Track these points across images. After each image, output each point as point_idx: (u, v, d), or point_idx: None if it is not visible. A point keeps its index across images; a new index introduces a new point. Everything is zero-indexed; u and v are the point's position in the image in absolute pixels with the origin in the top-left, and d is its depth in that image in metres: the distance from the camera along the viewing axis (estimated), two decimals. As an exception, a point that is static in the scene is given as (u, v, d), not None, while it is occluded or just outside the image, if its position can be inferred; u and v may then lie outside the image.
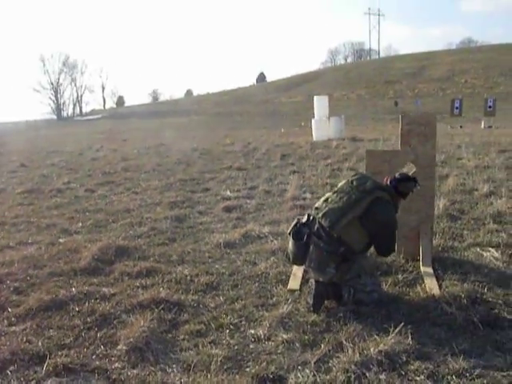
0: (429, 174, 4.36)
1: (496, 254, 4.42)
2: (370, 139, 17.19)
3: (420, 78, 57.57)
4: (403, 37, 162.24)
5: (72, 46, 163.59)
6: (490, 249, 4.56)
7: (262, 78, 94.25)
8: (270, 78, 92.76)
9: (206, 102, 69.19)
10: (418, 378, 2.56)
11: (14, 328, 3.35)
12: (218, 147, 16.40)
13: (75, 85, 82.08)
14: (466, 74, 54.78)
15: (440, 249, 4.66)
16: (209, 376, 2.64)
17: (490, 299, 3.48)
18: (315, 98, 19.88)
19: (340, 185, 3.74)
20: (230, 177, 9.84)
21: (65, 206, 7.44)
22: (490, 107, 21.72)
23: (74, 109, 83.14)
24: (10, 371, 2.81)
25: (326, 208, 3.53)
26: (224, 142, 18.25)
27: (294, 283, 3.94)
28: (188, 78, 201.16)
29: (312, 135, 18.85)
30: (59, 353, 2.99)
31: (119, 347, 3.03)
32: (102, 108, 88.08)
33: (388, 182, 3.68)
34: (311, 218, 3.59)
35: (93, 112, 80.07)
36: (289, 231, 3.67)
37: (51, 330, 3.31)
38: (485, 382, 2.52)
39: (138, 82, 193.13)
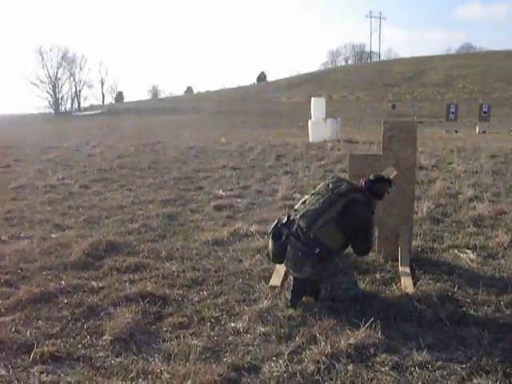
0: (409, 177, 4.53)
1: (472, 256, 4.59)
2: (364, 141, 17.37)
3: (419, 81, 57.85)
4: (403, 40, 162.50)
5: (71, 40, 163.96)
6: (467, 250, 4.74)
7: (262, 77, 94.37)
8: (270, 78, 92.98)
9: (205, 100, 69.29)
10: (383, 369, 2.73)
11: (3, 318, 3.47)
12: (214, 146, 16.54)
13: (74, 79, 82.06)
14: (463, 79, 55.10)
15: (419, 250, 4.84)
16: (187, 365, 2.80)
17: (460, 298, 3.65)
18: (312, 99, 20.07)
19: (318, 187, 3.90)
20: (224, 176, 10.00)
21: (58, 201, 7.58)
22: (484, 112, 21.96)
23: (72, 104, 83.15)
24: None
25: (304, 210, 3.70)
26: (221, 141, 18.41)
27: (276, 280, 4.11)
28: (188, 75, 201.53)
29: (308, 136, 19.03)
30: (46, 342, 3.13)
31: (104, 337, 3.18)
32: (101, 103, 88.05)
33: (363, 184, 3.85)
34: (291, 218, 3.75)
35: (91, 107, 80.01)
36: (269, 231, 3.83)
37: (39, 321, 3.44)
38: (444, 373, 2.69)
39: (137, 78, 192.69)
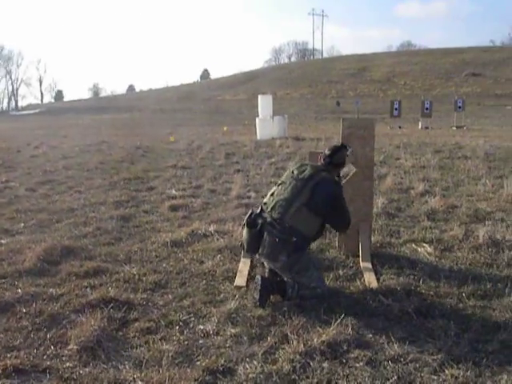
0: (367, 174, 4.61)
1: (429, 250, 4.73)
2: (312, 138, 17.61)
3: (361, 78, 59.19)
4: (346, 38, 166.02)
5: (7, 37, 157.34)
6: (424, 244, 4.88)
7: (205, 74, 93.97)
8: (213, 75, 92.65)
9: (148, 98, 68.27)
10: (357, 365, 2.76)
11: (-43, 332, 3.29)
12: (161, 145, 16.31)
13: (10, 77, 78.87)
14: (405, 76, 56.87)
15: (378, 245, 4.93)
16: (160, 371, 2.73)
17: (423, 291, 3.75)
18: (259, 96, 20.14)
19: (283, 177, 3.91)
20: (175, 175, 9.87)
21: (4, 205, 7.25)
22: (426, 109, 22.72)
23: (8, 103, 79.88)
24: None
25: (273, 201, 3.71)
26: (168, 140, 18.17)
27: (241, 280, 4.08)
28: (130, 73, 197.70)
29: (256, 134, 19.08)
30: (8, 355, 2.96)
31: (70, 347, 3.06)
32: (40, 102, 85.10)
33: (323, 161, 3.88)
34: (263, 212, 3.74)
35: (29, 106, 77.18)
36: (244, 221, 3.81)
37: None
38: (417, 365, 2.75)
39: (77, 77, 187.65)
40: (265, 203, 3.82)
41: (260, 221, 3.68)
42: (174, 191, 8.08)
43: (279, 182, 3.89)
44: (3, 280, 4.17)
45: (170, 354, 2.90)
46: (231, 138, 18.64)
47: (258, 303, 3.54)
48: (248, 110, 47.64)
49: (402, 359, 2.81)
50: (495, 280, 3.93)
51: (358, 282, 3.99)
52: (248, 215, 3.80)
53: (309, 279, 3.65)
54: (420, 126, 22.72)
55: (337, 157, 3.92)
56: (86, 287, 4.01)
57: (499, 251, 4.60)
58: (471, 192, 7.28)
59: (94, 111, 54.11)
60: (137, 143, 16.72)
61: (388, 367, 2.73)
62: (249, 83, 68.46)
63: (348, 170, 4.75)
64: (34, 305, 3.66)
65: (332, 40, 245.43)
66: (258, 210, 3.79)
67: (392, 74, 58.42)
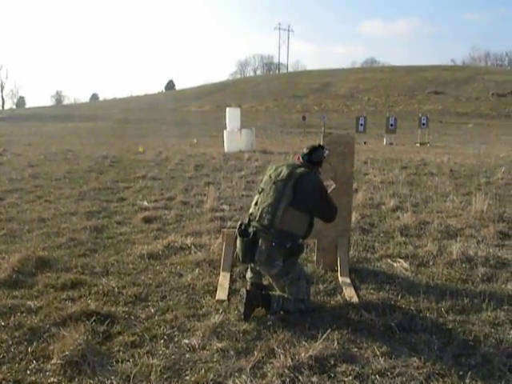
0: (347, 190, 4.69)
1: (405, 265, 4.83)
2: (280, 152, 17.75)
3: (326, 93, 60.16)
4: (310, 53, 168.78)
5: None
6: (400, 260, 4.98)
7: (170, 85, 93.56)
8: (179, 86, 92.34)
9: (112, 108, 67.48)
10: (346, 379, 2.79)
11: None
12: (128, 155, 16.13)
13: (-31, 83, 76.68)
14: (368, 92, 58.12)
15: (355, 260, 5.01)
16: (149, 386, 2.70)
17: (404, 306, 3.83)
18: (227, 109, 20.17)
19: (262, 184, 3.92)
20: (146, 186, 9.78)
21: (-29, 214, 7.03)
22: (391, 125, 23.24)
23: (-32, 109, 77.60)
24: None
25: (259, 210, 3.72)
26: (135, 150, 17.99)
27: (222, 293, 4.08)
28: (93, 81, 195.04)
29: (223, 146, 19.09)
30: (-11, 370, 2.89)
31: (53, 361, 2.98)
32: (1, 108, 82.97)
33: (301, 159, 3.93)
34: (252, 223, 3.75)
35: (-11, 113, 75.06)
36: (235, 232, 3.84)
37: None
38: (404, 379, 2.80)
39: (40, 84, 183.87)
40: (251, 213, 3.82)
41: (251, 229, 3.69)
42: (146, 203, 8.01)
43: (259, 189, 3.89)
44: (-23, 292, 4.04)
45: (159, 369, 2.87)
46: (199, 149, 18.60)
47: (242, 316, 3.55)
48: (213, 121, 47.64)
49: (388, 373, 2.86)
50: (471, 295, 4.05)
51: (339, 297, 4.04)
52: (238, 226, 3.81)
53: (298, 290, 3.68)
54: (385, 142, 23.20)
55: (315, 155, 3.95)
56: (65, 300, 3.94)
57: (473, 267, 4.74)
58: (440, 208, 7.48)
59: (56, 119, 52.98)
60: (103, 153, 16.51)
61: (376, 381, 2.78)
62: (214, 95, 68.62)
63: (328, 185, 4.82)
64: (12, 318, 3.58)
65: (297, 55, 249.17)
66: (246, 220, 3.81)
67: (356, 90, 59.64)
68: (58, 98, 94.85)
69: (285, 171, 3.75)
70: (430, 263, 4.91)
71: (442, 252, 5.17)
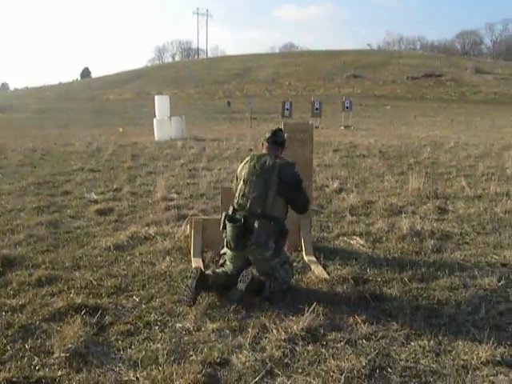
0: (307, 174, 4.97)
1: (361, 242, 5.23)
2: (212, 139, 17.90)
3: (247, 78, 60.57)
4: (229, 39, 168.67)
5: None
6: (355, 237, 5.37)
7: (86, 73, 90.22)
8: (95, 74, 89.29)
9: (25, 98, 64.26)
10: (338, 345, 3.10)
11: None
12: (57, 147, 15.66)
13: None
14: (289, 76, 59.17)
15: (314, 239, 5.34)
16: (160, 369, 2.86)
17: (370, 278, 4.21)
18: (156, 97, 20.00)
19: (244, 175, 4.02)
20: (87, 179, 9.64)
21: None
22: (316, 109, 23.96)
23: None
24: None
25: (249, 200, 3.90)
26: (62, 142, 17.46)
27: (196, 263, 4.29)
28: (2, 70, 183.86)
29: (153, 135, 18.93)
30: (-8, 369, 2.91)
31: (55, 355, 3.03)
32: None
33: (267, 144, 4.16)
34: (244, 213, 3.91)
35: None
36: (223, 219, 3.99)
37: None
38: (387, 341, 3.15)
39: None
40: (239, 204, 3.99)
41: (239, 217, 3.88)
42: (94, 195, 7.94)
43: (243, 180, 4.02)
44: (-50, 295, 3.96)
45: (165, 352, 3.02)
46: (129, 139, 18.33)
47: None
48: (135, 109, 46.74)
49: (373, 337, 3.20)
50: (426, 265, 4.50)
51: (310, 274, 4.34)
52: (224, 216, 3.98)
53: (286, 273, 3.93)
54: (310, 126, 23.88)
55: (278, 136, 4.20)
56: (46, 296, 3.95)
57: (422, 240, 5.22)
58: (379, 188, 8.01)
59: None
60: (30, 145, 15.90)
61: (364, 345, 3.11)
62: (133, 82, 67.10)
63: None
64: (-3, 317, 3.56)
65: (216, 40, 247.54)
66: (231, 211, 3.98)
67: (276, 75, 60.51)
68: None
69: (269, 161, 3.96)
70: (384, 239, 5.34)
71: (392, 228, 5.62)
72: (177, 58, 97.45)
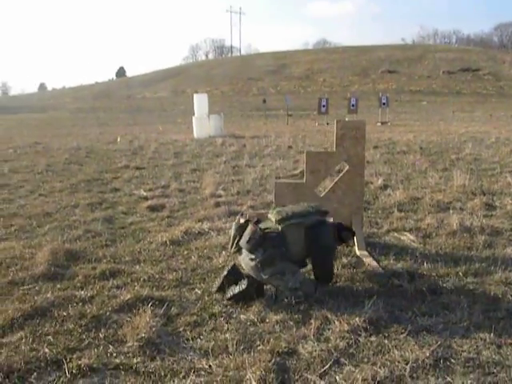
0: (359, 171, 5.08)
1: (412, 237, 5.28)
2: (250, 136, 18.06)
3: (281, 75, 60.58)
4: (263, 35, 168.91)
5: None
6: (405, 233, 5.43)
7: (121, 72, 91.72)
8: (130, 73, 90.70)
9: (62, 97, 65.89)
10: (400, 337, 3.19)
11: (7, 339, 3.34)
12: (100, 146, 16.11)
13: None
14: (323, 73, 58.95)
15: (366, 235, 5.42)
16: (231, 357, 3.01)
17: (425, 272, 4.27)
18: (195, 95, 20.30)
19: None
20: (134, 176, 9.93)
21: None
22: (353, 105, 23.89)
23: None
24: (33, 379, 2.89)
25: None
26: (104, 140, 17.92)
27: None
28: (40, 71, 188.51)
29: (192, 132, 19.23)
30: (73, 356, 3.08)
31: (129, 344, 3.21)
32: None
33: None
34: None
35: None
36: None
37: (48, 337, 3.33)
38: (448, 333, 3.23)
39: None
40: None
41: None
42: (143, 192, 8.20)
43: None
44: (26, 286, 4.21)
45: (234, 342, 3.18)
46: (169, 136, 18.67)
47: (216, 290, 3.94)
48: (170, 107, 47.35)
49: (433, 329, 3.28)
50: (479, 260, 4.54)
51: (364, 268, 4.44)
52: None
53: (283, 282, 3.79)
54: (347, 123, 23.80)
55: None
56: (113, 288, 4.15)
57: (472, 236, 5.24)
58: (424, 185, 8.01)
59: (4, 111, 51.39)
60: (74, 144, 16.40)
61: (426, 337, 3.19)
62: (168, 81, 67.90)
63: (341, 167, 5.20)
64: (69, 308, 3.77)
65: (249, 38, 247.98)
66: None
67: (311, 71, 60.33)
68: (4, 89, 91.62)
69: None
70: (434, 234, 5.38)
71: (441, 224, 5.65)
72: (210, 56, 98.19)
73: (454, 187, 7.59)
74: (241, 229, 3.97)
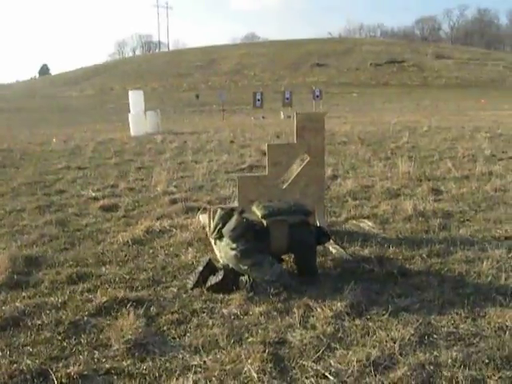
0: (320, 162, 5.20)
1: (370, 224, 5.48)
2: (189, 132, 17.94)
3: (210, 70, 60.34)
4: (190, 31, 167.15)
5: None
6: (364, 220, 5.62)
7: (45, 70, 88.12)
8: (54, 71, 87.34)
9: (-19, 97, 62.37)
10: (382, 318, 3.33)
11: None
12: (33, 147, 15.42)
13: None
14: (253, 67, 59.24)
15: (326, 225, 5.56)
16: (224, 351, 3.02)
17: (391, 256, 4.46)
18: (130, 92, 19.92)
19: None
20: (77, 176, 9.62)
21: None
22: (287, 99, 24.24)
23: None
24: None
25: None
26: (36, 141, 17.20)
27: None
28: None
29: (128, 130, 18.84)
30: (59, 365, 2.96)
31: (115, 347, 3.13)
32: None
33: None
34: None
35: None
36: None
37: (27, 348, 3.19)
38: (425, 311, 3.42)
39: None
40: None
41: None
42: (91, 192, 7.97)
43: None
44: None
45: (224, 337, 3.19)
46: (106, 135, 18.18)
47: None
48: (100, 105, 46.08)
49: (410, 309, 3.45)
50: (438, 242, 4.79)
51: (331, 256, 4.57)
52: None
53: (263, 274, 3.87)
54: (282, 116, 24.14)
55: None
56: (84, 292, 4.03)
57: (427, 220, 5.52)
58: (371, 173, 8.31)
59: None
60: (3, 146, 15.63)
61: (406, 316, 3.35)
62: (95, 78, 66.03)
63: (303, 158, 5.30)
64: (43, 316, 3.61)
65: (177, 33, 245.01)
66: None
67: (241, 66, 60.53)
68: None
69: None
70: (391, 220, 5.62)
71: (396, 210, 5.90)
72: (138, 52, 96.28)
73: (399, 174, 7.92)
74: (225, 217, 3.99)
